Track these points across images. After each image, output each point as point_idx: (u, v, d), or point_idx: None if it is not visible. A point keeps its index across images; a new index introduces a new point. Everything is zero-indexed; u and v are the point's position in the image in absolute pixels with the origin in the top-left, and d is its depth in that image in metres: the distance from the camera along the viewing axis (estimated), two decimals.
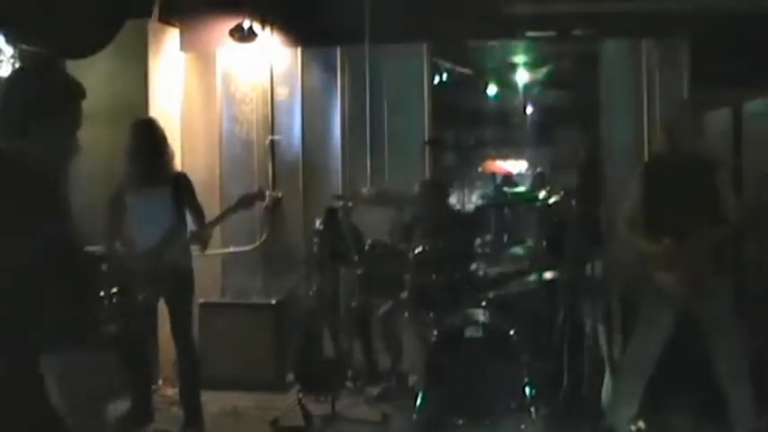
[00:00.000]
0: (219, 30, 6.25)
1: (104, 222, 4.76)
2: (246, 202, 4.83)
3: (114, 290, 4.94)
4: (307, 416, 4.93)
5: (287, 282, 6.04)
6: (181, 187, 4.73)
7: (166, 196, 4.65)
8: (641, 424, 4.40)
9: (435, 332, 4.82)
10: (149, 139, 4.71)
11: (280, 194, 6.32)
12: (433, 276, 5.08)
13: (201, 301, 5.73)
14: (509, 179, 11.85)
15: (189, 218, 4.79)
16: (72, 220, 2.01)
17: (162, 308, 4.80)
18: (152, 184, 4.65)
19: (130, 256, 4.65)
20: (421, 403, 4.76)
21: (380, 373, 5.64)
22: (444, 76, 8.33)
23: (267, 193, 5.03)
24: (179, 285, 4.69)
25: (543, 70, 8.98)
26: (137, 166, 4.67)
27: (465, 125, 9.89)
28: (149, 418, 4.87)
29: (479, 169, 11.83)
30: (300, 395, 5.05)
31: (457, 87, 8.90)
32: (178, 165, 5.28)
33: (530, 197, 6.07)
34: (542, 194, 5.66)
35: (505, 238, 5.86)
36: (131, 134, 4.77)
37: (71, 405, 1.89)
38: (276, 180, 6.35)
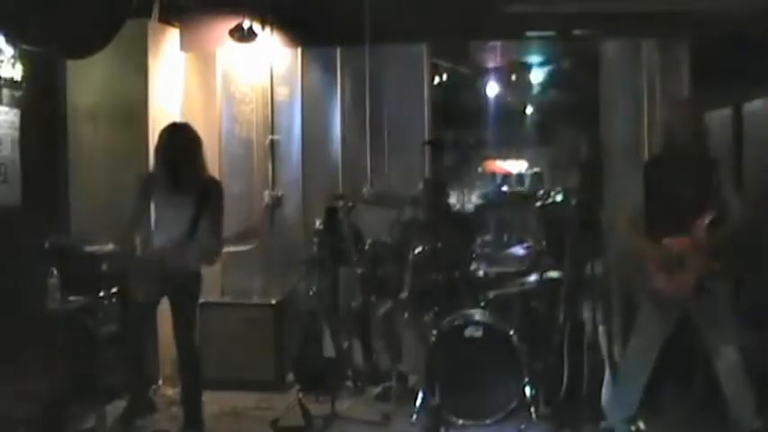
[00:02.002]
0: (219, 30, 6.24)
1: (132, 208, 4.67)
2: (245, 237, 4.73)
3: (114, 290, 4.96)
4: (307, 416, 4.92)
5: (287, 282, 6.03)
6: (207, 195, 4.61)
7: (189, 204, 4.55)
8: (641, 424, 4.40)
9: (435, 332, 4.83)
10: (174, 147, 4.63)
11: (280, 194, 6.32)
12: (433, 276, 5.09)
13: (201, 301, 5.71)
14: (509, 179, 11.87)
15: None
16: None
17: (163, 309, 4.78)
18: (175, 191, 4.56)
19: (144, 252, 4.63)
20: (421, 403, 4.77)
21: (380, 373, 5.63)
22: (444, 76, 8.34)
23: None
24: (186, 287, 4.66)
25: (543, 70, 8.98)
26: (161, 173, 4.62)
27: (465, 125, 9.89)
28: (151, 410, 4.87)
29: (479, 169, 11.83)
30: (300, 395, 5.05)
31: (457, 87, 8.91)
32: None
33: (530, 197, 6.08)
34: (542, 194, 5.66)
35: (505, 238, 5.87)
36: (160, 138, 4.72)
37: None
38: (276, 180, 6.36)
